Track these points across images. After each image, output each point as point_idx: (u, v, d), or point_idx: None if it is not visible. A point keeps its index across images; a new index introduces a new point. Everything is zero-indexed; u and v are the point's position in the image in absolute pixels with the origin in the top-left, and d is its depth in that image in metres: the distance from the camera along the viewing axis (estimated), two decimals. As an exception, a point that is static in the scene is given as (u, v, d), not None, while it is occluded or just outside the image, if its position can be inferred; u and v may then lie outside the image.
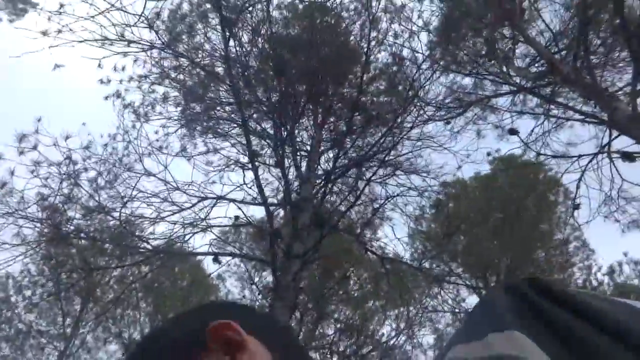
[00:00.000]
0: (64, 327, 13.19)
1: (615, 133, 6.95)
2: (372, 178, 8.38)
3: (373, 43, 9.31)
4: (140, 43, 6.82)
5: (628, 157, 6.21)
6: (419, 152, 9.21)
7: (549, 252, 13.77)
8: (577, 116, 8.04)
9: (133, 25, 6.54)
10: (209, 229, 6.77)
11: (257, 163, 7.01)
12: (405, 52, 9.46)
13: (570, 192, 12.45)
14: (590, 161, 7.11)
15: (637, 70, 6.02)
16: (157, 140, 7.36)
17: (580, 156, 7.46)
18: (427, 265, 14.95)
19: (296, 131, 8.74)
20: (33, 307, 12.69)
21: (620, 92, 6.82)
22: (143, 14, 6.38)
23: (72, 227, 7.57)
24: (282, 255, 6.40)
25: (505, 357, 0.44)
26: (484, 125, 9.61)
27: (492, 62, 9.77)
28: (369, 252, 9.07)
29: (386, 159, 8.57)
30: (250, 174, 7.11)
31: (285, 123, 8.32)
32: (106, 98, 7.10)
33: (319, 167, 8.64)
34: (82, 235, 7.85)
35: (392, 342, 14.34)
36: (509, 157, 11.64)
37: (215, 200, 6.84)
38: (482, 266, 13.95)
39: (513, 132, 6.97)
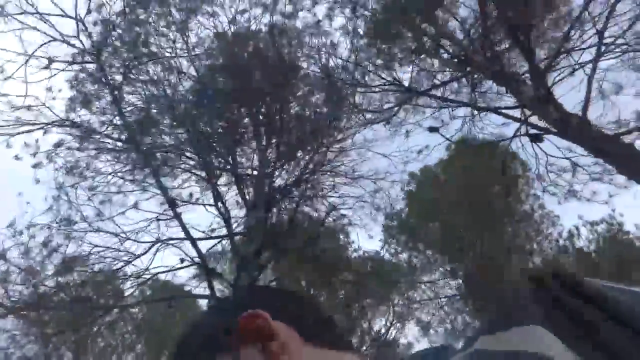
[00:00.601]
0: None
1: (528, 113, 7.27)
2: (319, 190, 8.66)
3: (302, 59, 9.61)
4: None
5: (536, 138, 6.51)
6: (362, 159, 9.48)
7: (518, 225, 14.08)
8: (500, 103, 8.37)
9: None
10: (154, 277, 7.00)
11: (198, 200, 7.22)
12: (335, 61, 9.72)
13: (528, 165, 12.82)
14: (510, 143, 7.42)
15: (529, 56, 6.33)
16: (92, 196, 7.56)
17: (503, 140, 7.77)
18: (405, 256, 15.34)
19: (237, 158, 9.01)
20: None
21: (524, 76, 7.11)
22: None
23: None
24: (230, 288, 6.64)
25: (521, 354, 0.44)
26: (423, 121, 9.92)
27: (422, 56, 10.05)
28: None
29: (329, 169, 8.84)
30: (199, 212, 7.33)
31: (229, 153, 8.59)
32: (34, 166, 7.32)
33: (267, 189, 8.88)
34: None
35: (383, 338, 14.65)
36: (463, 140, 11.94)
37: (161, 243, 7.07)
38: (457, 250, 14.23)
39: (433, 129, 7.25)
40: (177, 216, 6.47)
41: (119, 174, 7.26)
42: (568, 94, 7.13)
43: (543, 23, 8.02)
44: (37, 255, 7.57)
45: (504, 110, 8.01)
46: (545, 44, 8.26)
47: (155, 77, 7.46)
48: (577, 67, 7.06)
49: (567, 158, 7.62)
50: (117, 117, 6.70)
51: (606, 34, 6.63)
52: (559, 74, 7.03)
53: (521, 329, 0.46)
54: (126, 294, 8.18)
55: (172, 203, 6.48)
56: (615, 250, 12.53)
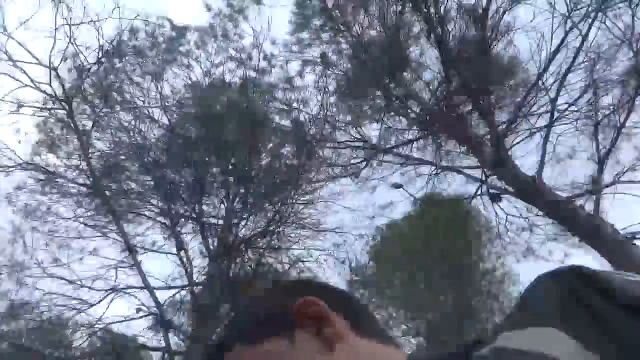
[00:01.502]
0: None
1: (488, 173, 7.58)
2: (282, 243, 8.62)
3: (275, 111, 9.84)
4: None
5: (494, 197, 6.77)
6: (329, 213, 9.58)
7: (479, 282, 14.25)
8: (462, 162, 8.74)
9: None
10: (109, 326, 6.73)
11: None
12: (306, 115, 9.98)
13: (490, 223, 13.17)
14: (470, 201, 7.67)
15: (488, 120, 6.70)
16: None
17: (465, 198, 8.02)
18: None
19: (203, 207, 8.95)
20: None
21: (484, 138, 7.47)
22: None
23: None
24: (188, 340, 6.42)
25: (536, 355, 0.43)
26: (389, 177, 10.18)
27: (390, 114, 10.43)
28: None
29: (295, 221, 8.85)
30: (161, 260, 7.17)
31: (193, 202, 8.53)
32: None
33: (231, 239, 8.79)
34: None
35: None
36: (432, 196, 12.19)
37: (116, 292, 6.83)
38: (418, 307, 14.21)
39: (397, 186, 7.46)
40: (137, 264, 6.32)
41: (81, 219, 7.11)
42: (527, 156, 7.52)
43: (502, 89, 8.53)
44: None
45: (465, 170, 8.34)
46: (504, 109, 8.76)
47: (126, 124, 7.49)
48: (534, 130, 7.49)
49: (525, 218, 7.91)
50: (83, 162, 6.63)
51: (559, 101, 7.12)
52: (517, 138, 7.43)
53: (538, 330, 0.45)
54: (76, 344, 7.78)
55: (131, 250, 6.34)
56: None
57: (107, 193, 6.84)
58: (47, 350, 7.31)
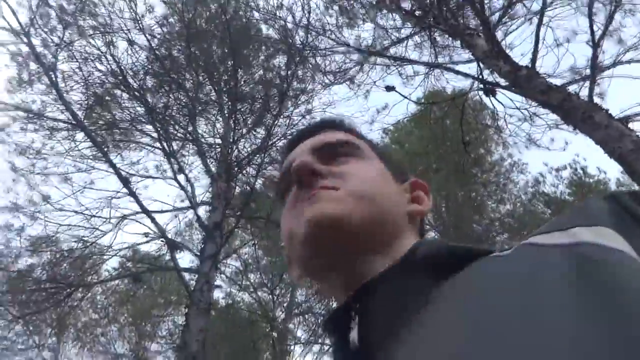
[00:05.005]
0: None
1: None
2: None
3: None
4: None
5: (488, 92, 6.57)
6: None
7: (487, 175, 14.34)
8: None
9: None
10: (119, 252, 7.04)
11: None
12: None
13: (497, 114, 12.92)
14: (465, 98, 7.48)
15: (479, 9, 6.30)
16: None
17: (463, 94, 7.81)
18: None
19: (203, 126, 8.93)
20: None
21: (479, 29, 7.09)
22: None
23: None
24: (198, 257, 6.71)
25: (588, 244, 0.41)
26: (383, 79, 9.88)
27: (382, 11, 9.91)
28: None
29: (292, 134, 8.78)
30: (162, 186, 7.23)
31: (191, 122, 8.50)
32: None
33: (229, 158, 8.84)
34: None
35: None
36: (429, 95, 11.91)
37: (124, 219, 7.06)
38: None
39: (390, 88, 7.24)
40: (133, 194, 6.45)
41: (74, 153, 7.15)
42: (522, 45, 7.13)
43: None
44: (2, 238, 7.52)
45: (460, 66, 8.03)
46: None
47: (105, 50, 7.23)
48: (529, 17, 7.07)
49: (524, 109, 7.74)
50: (60, 98, 6.49)
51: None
52: (511, 26, 7.03)
53: (586, 229, 0.42)
54: (98, 270, 8.22)
55: (126, 180, 6.43)
56: (580, 192, 12.92)
57: (93, 126, 6.80)
58: (70, 279, 7.76)
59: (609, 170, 13.56)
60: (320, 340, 12.03)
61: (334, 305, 0.60)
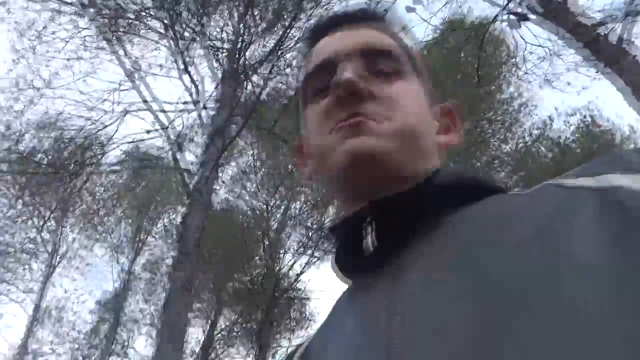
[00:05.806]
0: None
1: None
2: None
3: None
4: None
5: (520, 18, 6.26)
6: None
7: (496, 112, 14.13)
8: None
9: None
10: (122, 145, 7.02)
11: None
12: None
13: (516, 51, 12.44)
14: (487, 28, 7.16)
15: None
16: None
17: (487, 23, 7.46)
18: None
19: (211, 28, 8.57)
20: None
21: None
22: None
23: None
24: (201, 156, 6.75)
25: (623, 189, 0.38)
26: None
27: None
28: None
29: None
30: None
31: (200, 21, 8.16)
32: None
33: (239, 61, 8.58)
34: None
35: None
36: (450, 22, 11.38)
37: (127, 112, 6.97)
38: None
39: (410, 9, 6.88)
40: (136, 86, 6.31)
41: (78, 39, 6.89)
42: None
43: None
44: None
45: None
46: None
47: None
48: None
49: (545, 47, 7.44)
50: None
51: None
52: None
53: (620, 175, 0.40)
54: (98, 161, 8.25)
55: (131, 74, 6.26)
56: (586, 140, 12.81)
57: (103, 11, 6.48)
58: (72, 167, 7.82)
59: (618, 122, 13.27)
60: (308, 253, 12.49)
61: (342, 214, 0.60)
